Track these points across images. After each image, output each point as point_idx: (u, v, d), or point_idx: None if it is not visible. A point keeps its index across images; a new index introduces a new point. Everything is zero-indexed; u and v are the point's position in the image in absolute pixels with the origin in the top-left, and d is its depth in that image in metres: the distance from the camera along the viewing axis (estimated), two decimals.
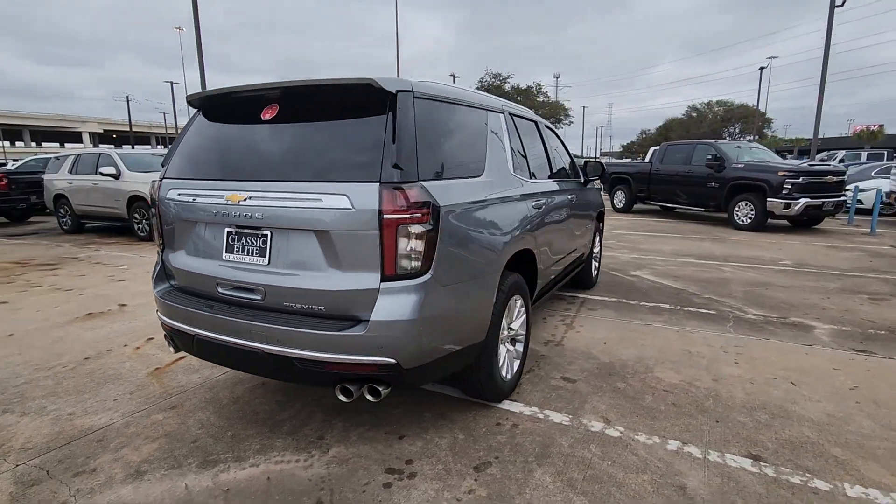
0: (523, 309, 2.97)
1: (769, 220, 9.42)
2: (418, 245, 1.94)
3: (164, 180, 2.46)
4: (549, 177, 3.69)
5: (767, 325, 4.10)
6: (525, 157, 3.20)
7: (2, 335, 3.88)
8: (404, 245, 1.92)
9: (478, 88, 34.98)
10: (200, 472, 2.19)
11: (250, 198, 2.09)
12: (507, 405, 2.77)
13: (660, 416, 2.66)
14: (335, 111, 2.13)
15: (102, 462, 2.26)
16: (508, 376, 2.82)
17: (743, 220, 9.63)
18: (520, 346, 3.01)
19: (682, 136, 45.51)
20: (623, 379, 3.11)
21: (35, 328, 4.05)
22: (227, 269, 2.24)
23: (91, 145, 60.28)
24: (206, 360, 2.38)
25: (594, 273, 5.31)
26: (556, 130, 4.31)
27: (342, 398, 2.04)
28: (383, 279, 1.95)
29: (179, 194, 2.35)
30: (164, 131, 61.64)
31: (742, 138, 43.98)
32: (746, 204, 9.55)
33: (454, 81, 32.49)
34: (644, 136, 65.73)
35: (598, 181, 4.94)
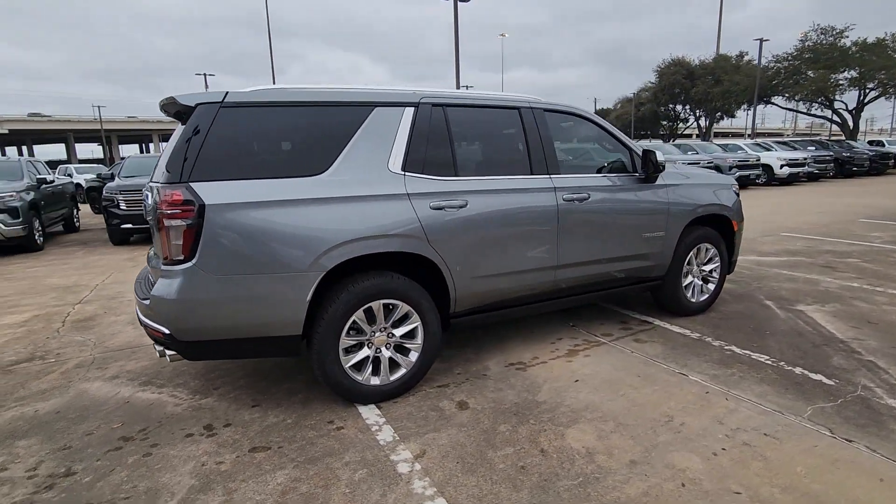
0: (415, 316, 2.78)
1: None
2: (179, 236, 2.27)
3: None
4: (533, 172, 3.15)
5: (893, 422, 2.44)
6: (452, 152, 2.89)
7: None
8: (168, 235, 2.28)
9: (798, 49, 26.84)
10: (135, 388, 3.09)
11: (146, 191, 2.80)
12: (366, 410, 2.71)
13: (477, 473, 2.16)
14: (182, 121, 2.60)
15: (114, 364, 3.43)
16: (375, 381, 2.74)
17: None
18: (413, 356, 2.84)
19: None
20: (519, 424, 2.54)
21: None
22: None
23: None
24: None
25: (697, 298, 4.03)
26: (586, 115, 3.50)
27: (157, 354, 2.56)
28: (164, 262, 2.36)
29: None
30: None
31: None
32: None
33: (761, 46, 26.27)
34: None
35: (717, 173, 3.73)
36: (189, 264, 2.30)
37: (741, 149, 17.89)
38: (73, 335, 4.05)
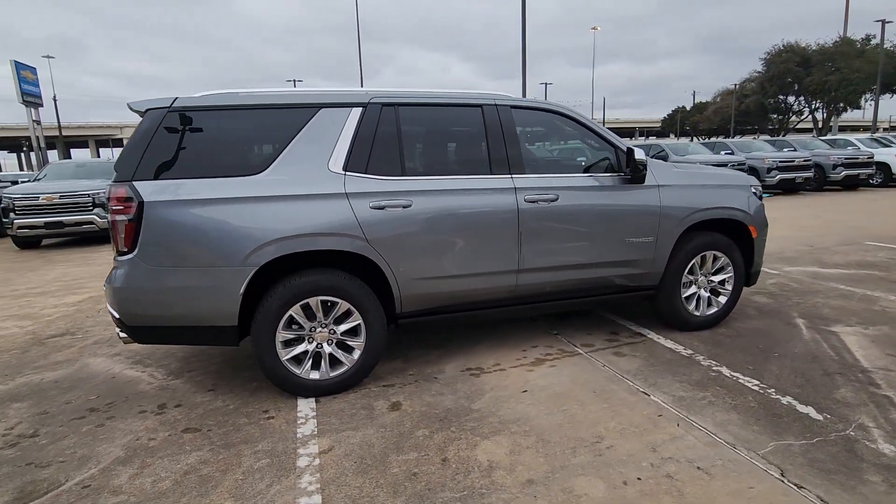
0: (356, 314, 2.81)
1: None
2: (122, 230, 2.49)
3: None
4: (493, 172, 3.04)
5: (873, 478, 2.04)
6: (400, 152, 2.87)
7: None
8: (115, 229, 2.52)
9: None
10: (126, 365, 3.43)
11: None
12: (304, 403, 2.80)
13: (368, 474, 2.14)
14: None
15: (122, 343, 3.83)
16: (314, 376, 2.81)
17: None
18: (357, 353, 2.87)
19: None
20: (439, 430, 2.48)
21: None
22: None
23: None
24: None
25: (703, 311, 3.64)
26: (565, 112, 3.28)
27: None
28: (116, 253, 2.60)
29: None
30: None
31: None
32: None
33: (883, 28, 22.69)
34: None
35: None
36: (131, 256, 2.53)
37: (852, 144, 15.70)
38: (107, 316, 4.58)
